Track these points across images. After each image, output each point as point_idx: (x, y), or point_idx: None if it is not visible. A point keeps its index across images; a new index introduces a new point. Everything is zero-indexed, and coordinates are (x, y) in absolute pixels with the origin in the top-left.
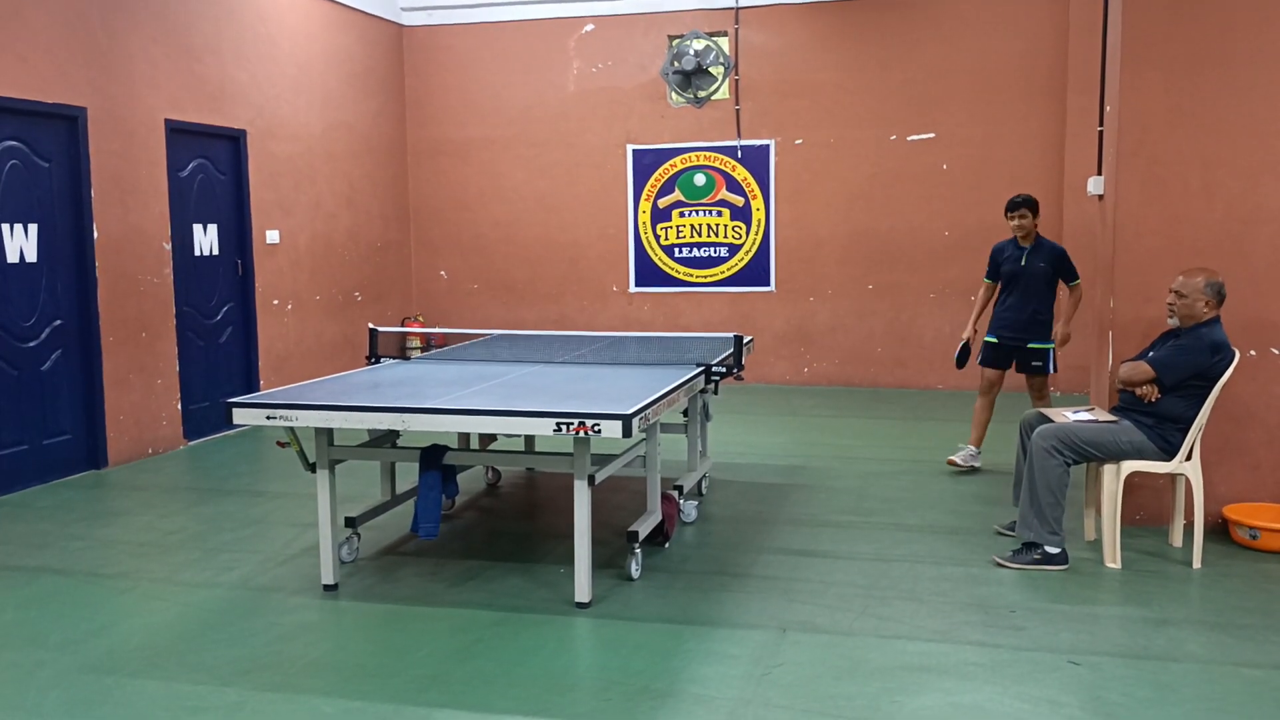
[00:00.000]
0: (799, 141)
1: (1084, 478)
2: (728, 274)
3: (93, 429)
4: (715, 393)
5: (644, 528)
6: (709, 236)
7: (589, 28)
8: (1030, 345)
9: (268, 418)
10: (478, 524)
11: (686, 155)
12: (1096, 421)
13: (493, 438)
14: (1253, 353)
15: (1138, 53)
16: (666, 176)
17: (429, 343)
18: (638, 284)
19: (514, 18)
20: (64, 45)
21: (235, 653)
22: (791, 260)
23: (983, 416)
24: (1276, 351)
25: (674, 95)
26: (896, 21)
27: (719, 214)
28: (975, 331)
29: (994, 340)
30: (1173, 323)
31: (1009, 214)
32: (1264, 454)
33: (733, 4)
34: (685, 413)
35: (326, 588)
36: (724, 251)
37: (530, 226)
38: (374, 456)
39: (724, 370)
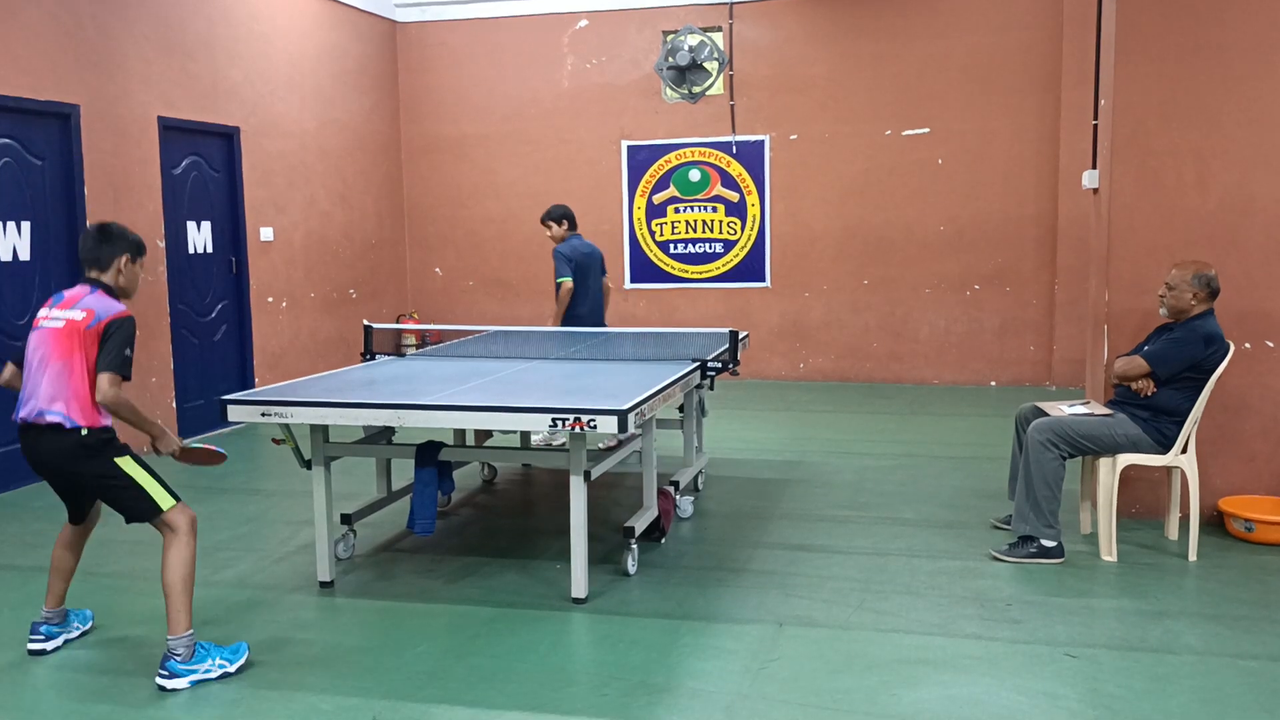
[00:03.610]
0: (794, 137)
1: (1080, 471)
2: (723, 270)
3: None
4: (711, 388)
5: (640, 523)
6: (704, 232)
7: (583, 23)
8: None
9: (263, 415)
10: (474, 520)
11: (681, 151)
12: (1092, 415)
13: (489, 434)
14: (1247, 345)
15: (1131, 45)
16: (661, 172)
17: (424, 340)
18: (633, 280)
19: (508, 13)
20: (57, 42)
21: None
22: (786, 256)
23: None
24: (1271, 344)
25: (668, 91)
26: (891, 15)
27: (714, 210)
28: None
29: None
30: (1163, 314)
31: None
32: (1259, 446)
33: None
34: (681, 408)
35: (323, 585)
36: (719, 247)
37: (525, 223)
38: (369, 453)
39: (719, 366)
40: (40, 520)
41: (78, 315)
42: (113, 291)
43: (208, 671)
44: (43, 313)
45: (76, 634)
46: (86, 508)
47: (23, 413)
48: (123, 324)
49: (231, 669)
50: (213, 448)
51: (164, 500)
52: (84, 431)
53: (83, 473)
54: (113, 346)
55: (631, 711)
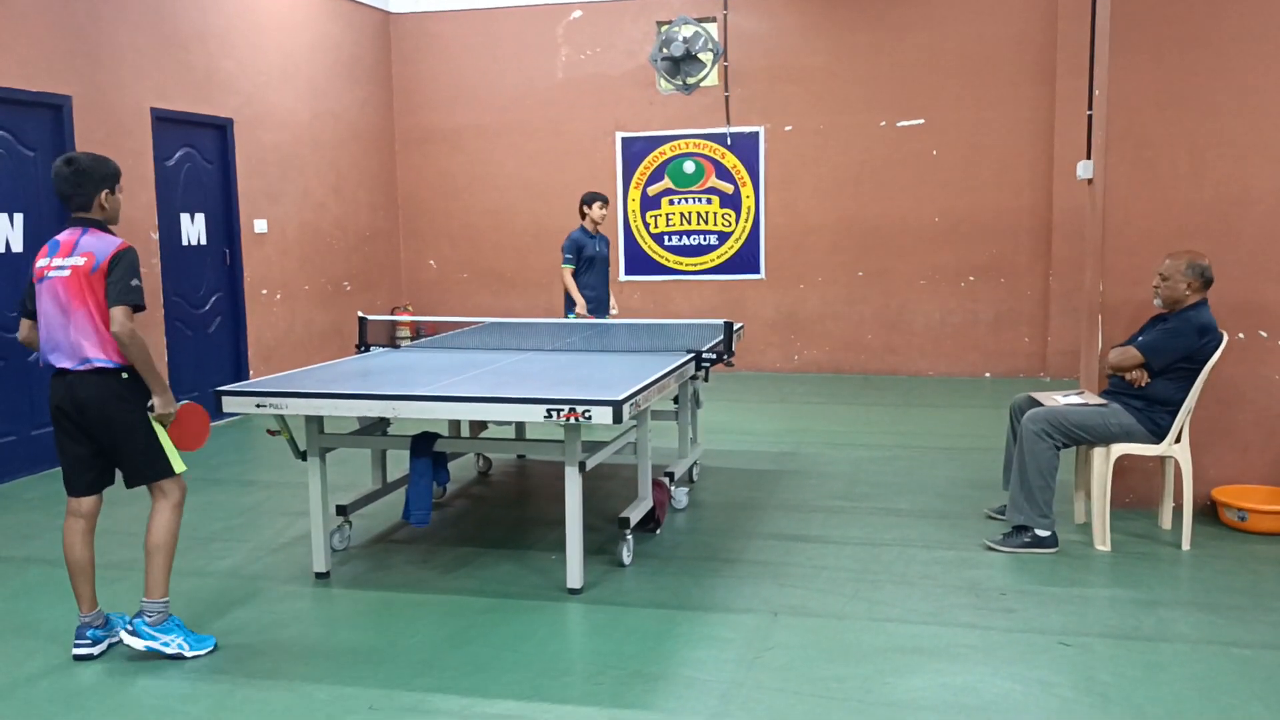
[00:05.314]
0: (789, 128)
1: (1074, 461)
2: (718, 262)
3: None
4: (706, 380)
5: (635, 514)
6: (699, 224)
7: (577, 14)
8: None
9: (257, 406)
10: (469, 511)
11: (675, 142)
12: (1086, 405)
13: (484, 425)
14: (1241, 335)
15: (1126, 36)
16: (656, 164)
17: (418, 331)
18: (628, 272)
19: (501, 4)
20: (49, 33)
21: (227, 641)
22: (781, 247)
23: None
24: (1264, 334)
25: (663, 82)
26: (886, 6)
27: (708, 201)
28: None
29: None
30: (1157, 304)
31: (598, 205)
32: (1252, 436)
33: None
34: (676, 400)
35: (318, 576)
36: (714, 239)
37: (519, 215)
38: (364, 444)
39: (714, 357)
40: (34, 511)
41: (79, 261)
42: (103, 226)
43: (165, 645)
44: (42, 263)
45: (118, 639)
46: (99, 473)
47: (63, 362)
48: (122, 256)
49: (188, 654)
50: (199, 406)
51: (178, 463)
52: (124, 373)
53: (117, 419)
54: (118, 279)
55: (627, 700)
